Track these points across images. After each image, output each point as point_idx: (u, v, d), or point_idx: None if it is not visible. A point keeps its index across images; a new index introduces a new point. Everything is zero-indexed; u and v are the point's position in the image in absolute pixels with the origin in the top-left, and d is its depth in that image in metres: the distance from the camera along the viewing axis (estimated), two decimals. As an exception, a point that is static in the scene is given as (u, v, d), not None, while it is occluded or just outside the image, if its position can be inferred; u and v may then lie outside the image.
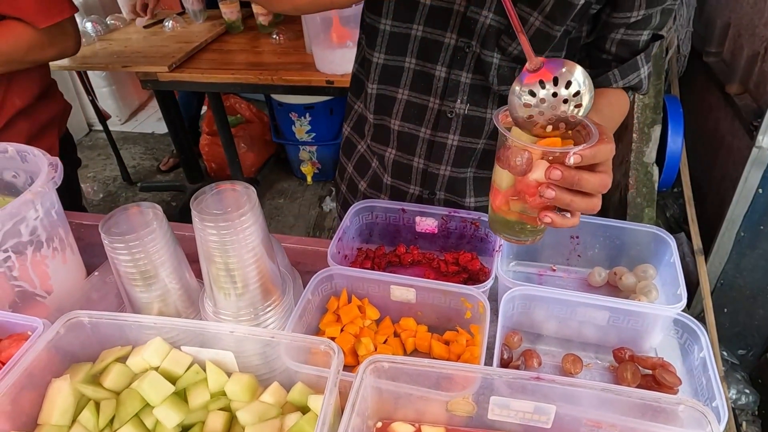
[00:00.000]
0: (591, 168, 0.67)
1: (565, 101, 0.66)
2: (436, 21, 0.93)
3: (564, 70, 0.65)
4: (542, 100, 0.66)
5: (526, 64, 0.67)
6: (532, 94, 0.66)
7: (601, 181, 0.67)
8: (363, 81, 1.10)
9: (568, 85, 0.65)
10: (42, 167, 0.88)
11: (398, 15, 0.94)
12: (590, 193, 0.68)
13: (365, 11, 1.02)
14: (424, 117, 1.02)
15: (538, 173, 0.67)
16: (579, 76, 0.65)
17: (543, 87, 0.66)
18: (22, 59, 1.24)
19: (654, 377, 0.81)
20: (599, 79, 0.96)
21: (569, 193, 0.67)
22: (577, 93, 0.65)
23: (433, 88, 0.99)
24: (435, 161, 1.07)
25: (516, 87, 0.67)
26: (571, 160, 0.65)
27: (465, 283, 0.96)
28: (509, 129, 0.71)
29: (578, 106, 0.66)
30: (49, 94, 1.42)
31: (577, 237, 1.02)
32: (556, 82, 0.65)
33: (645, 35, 0.92)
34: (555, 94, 0.66)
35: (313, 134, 3.23)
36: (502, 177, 0.72)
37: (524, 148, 0.67)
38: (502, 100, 0.99)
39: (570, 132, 0.70)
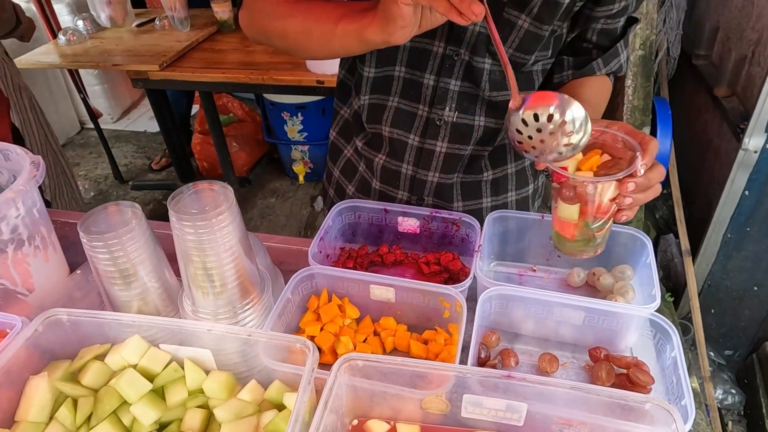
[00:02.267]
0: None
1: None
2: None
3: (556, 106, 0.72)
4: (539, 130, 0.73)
5: (510, 102, 0.74)
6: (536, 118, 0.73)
7: (661, 172, 0.76)
8: (350, 87, 1.11)
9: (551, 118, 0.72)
10: (24, 165, 0.89)
11: None
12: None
13: None
14: (413, 124, 1.03)
15: (611, 193, 0.76)
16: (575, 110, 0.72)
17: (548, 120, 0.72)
18: None
19: (628, 376, 0.81)
20: (584, 69, 1.00)
21: (642, 192, 0.76)
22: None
23: (422, 96, 1.00)
24: (423, 168, 1.07)
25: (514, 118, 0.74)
26: (642, 170, 0.73)
27: (446, 283, 0.97)
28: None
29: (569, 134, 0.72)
30: None
31: (558, 238, 1.03)
32: (550, 118, 0.72)
33: (622, 21, 0.97)
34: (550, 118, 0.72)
35: (305, 134, 3.24)
36: (571, 211, 0.79)
37: (595, 182, 0.75)
38: (491, 107, 1.00)
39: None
